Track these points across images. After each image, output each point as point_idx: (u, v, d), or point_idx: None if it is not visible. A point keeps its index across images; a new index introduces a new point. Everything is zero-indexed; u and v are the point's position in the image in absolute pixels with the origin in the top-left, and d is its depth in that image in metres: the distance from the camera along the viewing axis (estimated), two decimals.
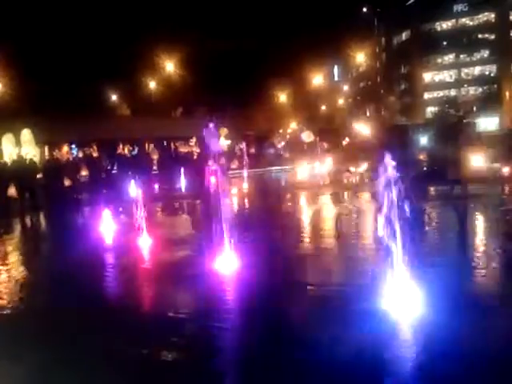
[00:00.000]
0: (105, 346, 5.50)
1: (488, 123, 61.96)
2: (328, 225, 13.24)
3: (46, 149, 38.81)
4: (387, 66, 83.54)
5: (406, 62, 79.28)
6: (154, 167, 32.18)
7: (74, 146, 46.68)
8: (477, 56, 74.92)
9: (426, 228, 11.53)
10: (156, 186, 25.31)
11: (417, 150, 27.39)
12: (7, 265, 10.30)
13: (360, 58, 73.58)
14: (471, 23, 74.72)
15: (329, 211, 15.47)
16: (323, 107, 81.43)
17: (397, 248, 5.92)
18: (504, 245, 9.31)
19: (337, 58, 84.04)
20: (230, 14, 63.45)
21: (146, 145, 48.90)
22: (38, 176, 21.42)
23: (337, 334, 5.36)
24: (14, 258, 11.30)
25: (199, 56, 54.93)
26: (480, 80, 73.84)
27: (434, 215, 13.51)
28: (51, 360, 5.26)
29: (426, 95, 77.71)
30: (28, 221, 17.37)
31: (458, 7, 74.87)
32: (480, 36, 74.20)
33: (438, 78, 78.05)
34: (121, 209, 15.20)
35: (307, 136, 38.33)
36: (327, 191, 19.53)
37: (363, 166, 24.30)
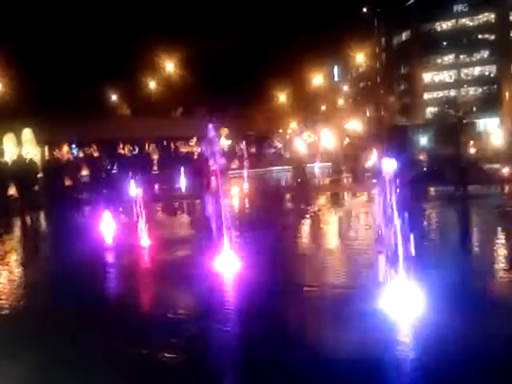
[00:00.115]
0: (105, 346, 5.51)
1: (488, 124, 61.98)
2: (327, 225, 13.25)
3: (46, 149, 38.79)
4: (387, 66, 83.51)
5: (406, 62, 79.28)
6: (155, 167, 32.17)
7: (74, 146, 46.68)
8: (477, 56, 74.89)
9: (426, 228, 11.53)
10: (156, 186, 25.31)
11: (416, 150, 27.40)
12: (7, 264, 10.31)
13: (360, 58, 73.57)
14: (471, 23, 74.69)
15: (328, 211, 15.48)
16: (323, 107, 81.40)
17: (396, 248, 5.94)
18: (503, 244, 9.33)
19: (337, 58, 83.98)
20: (230, 14, 63.43)
21: (146, 145, 48.89)
22: (39, 176, 21.43)
23: (336, 334, 5.37)
24: (14, 257, 11.31)
25: (199, 56, 54.94)
26: (480, 80, 73.83)
27: (433, 215, 13.53)
28: (50, 360, 5.26)
29: (426, 95, 77.69)
30: (28, 220, 17.38)
31: (457, 7, 74.85)
32: (480, 36, 74.16)
33: (438, 78, 78.02)
34: (121, 209, 15.20)
35: (308, 136, 38.32)
36: (326, 191, 19.57)
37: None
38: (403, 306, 5.87)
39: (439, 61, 77.74)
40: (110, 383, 4.88)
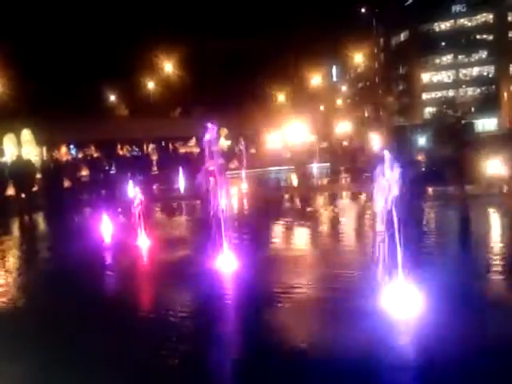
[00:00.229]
0: (104, 346, 5.51)
1: (486, 124, 62.09)
2: (325, 225, 13.26)
3: (44, 149, 38.83)
4: (385, 66, 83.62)
5: (405, 62, 79.36)
6: (154, 168, 32.15)
7: (72, 147, 46.71)
8: (475, 57, 75.01)
9: (425, 228, 11.54)
10: (155, 187, 25.29)
11: (415, 150, 27.41)
12: (6, 264, 10.30)
13: (358, 58, 73.70)
14: (469, 24, 74.80)
15: (327, 211, 15.49)
16: (321, 107, 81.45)
17: (395, 248, 5.94)
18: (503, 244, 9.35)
19: (335, 59, 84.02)
20: (229, 15, 63.42)
21: (145, 145, 48.91)
22: (38, 176, 21.40)
23: (335, 332, 5.38)
24: (13, 257, 11.30)
25: (198, 56, 54.99)
26: (478, 81, 73.93)
27: (432, 215, 13.54)
28: (49, 360, 5.26)
29: (424, 96, 77.78)
30: (27, 221, 17.36)
31: (456, 8, 74.96)
32: (478, 37, 74.28)
33: (436, 78, 78.11)
34: (120, 209, 15.19)
35: (306, 136, 38.32)
36: (325, 191, 19.57)
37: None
38: (401, 306, 5.87)
39: (437, 61, 77.84)
40: (109, 383, 4.88)
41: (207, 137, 8.63)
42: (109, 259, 10.44)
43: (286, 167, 28.72)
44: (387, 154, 5.93)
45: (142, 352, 5.37)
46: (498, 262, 8.30)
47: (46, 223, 17.98)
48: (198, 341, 5.74)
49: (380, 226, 6.02)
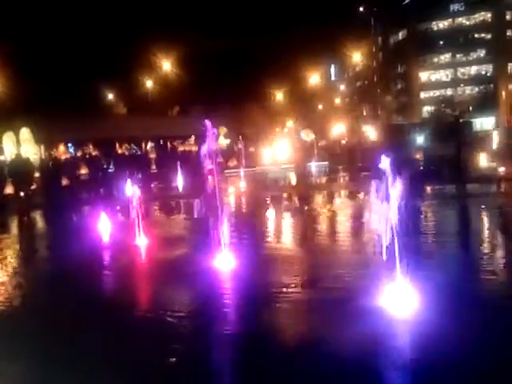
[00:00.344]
0: (103, 346, 5.51)
1: (484, 123, 62.14)
2: (323, 224, 13.27)
3: (42, 148, 38.79)
4: (384, 65, 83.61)
5: (403, 61, 79.35)
6: (153, 166, 32.12)
7: (70, 145, 46.66)
8: (473, 55, 75.02)
9: (424, 227, 11.55)
10: (153, 185, 25.26)
11: (413, 149, 27.45)
12: (4, 262, 10.29)
13: (357, 57, 73.68)
14: (468, 23, 74.81)
15: (325, 210, 15.49)
16: (320, 106, 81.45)
17: (394, 247, 5.96)
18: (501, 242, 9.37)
19: (333, 58, 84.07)
20: (227, 14, 63.42)
21: (143, 144, 48.86)
22: (36, 175, 21.40)
23: (334, 331, 5.40)
24: (11, 256, 11.29)
25: (196, 55, 54.95)
26: (476, 79, 73.96)
27: (431, 214, 13.55)
28: (48, 360, 5.27)
29: (423, 94, 77.79)
30: (25, 219, 17.35)
31: (454, 7, 74.96)
32: (476, 35, 74.29)
33: (435, 77, 78.13)
34: (118, 207, 15.19)
35: (306, 135, 38.30)
36: (324, 190, 19.58)
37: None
38: (400, 305, 5.89)
39: (436, 60, 77.84)
40: (109, 383, 4.88)
41: (206, 135, 8.63)
42: (107, 258, 10.44)
43: (286, 166, 28.74)
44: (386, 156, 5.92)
45: (141, 351, 5.37)
46: (497, 262, 8.33)
47: (44, 221, 17.95)
48: (197, 340, 5.75)
49: (379, 225, 6.03)
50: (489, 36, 73.37)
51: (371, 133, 45.24)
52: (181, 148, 41.50)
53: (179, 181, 23.46)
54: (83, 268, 9.09)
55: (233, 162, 31.27)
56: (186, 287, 7.54)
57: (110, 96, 62.35)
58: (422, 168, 22.32)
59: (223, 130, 43.82)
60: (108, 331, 5.94)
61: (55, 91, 47.40)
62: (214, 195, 8.51)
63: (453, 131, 26.35)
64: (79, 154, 39.30)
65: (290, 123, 65.82)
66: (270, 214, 15.09)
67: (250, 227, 12.62)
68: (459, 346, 4.88)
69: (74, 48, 49.66)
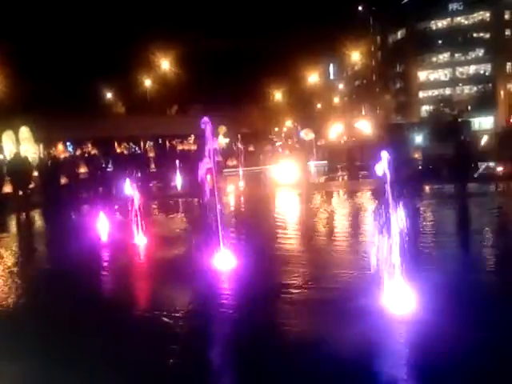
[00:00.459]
0: (103, 346, 5.51)
1: (483, 122, 62.21)
2: (321, 223, 13.26)
3: (41, 147, 38.76)
4: (382, 64, 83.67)
5: (401, 60, 79.42)
6: (152, 165, 32.10)
7: (69, 144, 46.62)
8: (472, 55, 75.10)
9: (423, 227, 11.56)
10: (152, 184, 25.27)
11: (412, 148, 27.45)
12: (2, 261, 10.29)
13: (355, 56, 73.74)
14: (466, 22, 74.88)
15: (322, 209, 15.49)
16: (319, 105, 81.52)
17: (393, 246, 5.97)
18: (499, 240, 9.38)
19: (332, 57, 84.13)
20: (226, 13, 63.43)
21: (142, 143, 48.82)
22: (34, 174, 21.37)
23: (334, 332, 5.41)
24: (10, 255, 11.28)
25: (195, 54, 54.96)
26: (475, 79, 74.05)
27: (430, 214, 13.56)
28: (48, 360, 5.27)
29: (421, 94, 77.86)
30: (24, 218, 17.34)
31: (453, 6, 75.03)
32: (475, 35, 74.37)
33: (433, 76, 78.19)
34: (117, 207, 15.19)
35: (305, 134, 38.25)
36: (323, 189, 19.59)
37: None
38: (399, 305, 5.90)
39: (434, 59, 77.91)
40: (109, 383, 4.89)
41: (205, 133, 8.62)
42: (106, 257, 10.43)
43: (286, 165, 28.72)
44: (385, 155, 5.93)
45: (140, 351, 5.37)
46: (497, 261, 8.35)
47: (43, 220, 17.94)
48: (197, 340, 5.75)
49: (378, 225, 6.04)
50: (487, 35, 73.44)
51: (368, 130, 45.21)
52: (180, 147, 41.42)
53: (178, 180, 23.45)
54: (82, 267, 9.09)
55: (232, 162, 31.28)
56: (184, 287, 7.54)
57: (109, 95, 62.33)
58: (420, 167, 22.33)
59: (222, 129, 43.77)
60: (107, 331, 5.94)
61: (54, 90, 47.40)
62: (213, 194, 8.50)
63: (451, 131, 26.39)
64: (78, 152, 39.21)
65: (288, 122, 65.88)
66: (270, 213, 15.09)
67: (248, 226, 12.62)
68: (458, 346, 4.89)
69: (73, 47, 49.68)
